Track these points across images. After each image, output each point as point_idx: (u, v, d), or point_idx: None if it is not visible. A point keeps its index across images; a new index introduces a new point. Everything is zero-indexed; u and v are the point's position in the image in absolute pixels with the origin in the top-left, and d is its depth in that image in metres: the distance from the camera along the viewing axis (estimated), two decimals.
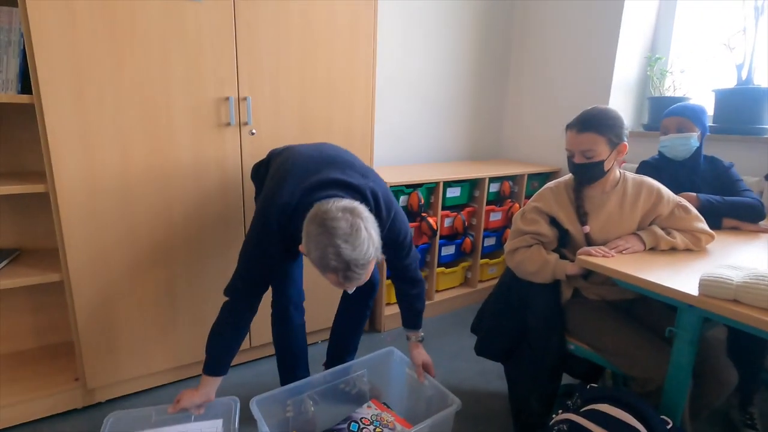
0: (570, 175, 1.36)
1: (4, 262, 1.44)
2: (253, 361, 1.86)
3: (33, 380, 1.51)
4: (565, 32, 2.48)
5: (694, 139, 1.51)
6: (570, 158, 1.27)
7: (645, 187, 1.30)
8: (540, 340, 1.35)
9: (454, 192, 2.26)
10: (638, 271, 1.06)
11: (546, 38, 2.59)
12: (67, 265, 1.40)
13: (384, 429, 1.24)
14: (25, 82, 1.31)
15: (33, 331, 1.68)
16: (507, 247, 1.37)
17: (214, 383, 1.22)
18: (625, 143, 1.24)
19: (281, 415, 1.30)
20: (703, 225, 1.25)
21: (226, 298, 1.22)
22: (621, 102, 2.37)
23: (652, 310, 1.32)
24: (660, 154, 1.60)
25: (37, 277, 1.40)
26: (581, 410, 0.97)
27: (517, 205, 2.46)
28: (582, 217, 1.29)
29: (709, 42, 2.12)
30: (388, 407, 1.39)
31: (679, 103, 1.59)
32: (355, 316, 1.60)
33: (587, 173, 1.26)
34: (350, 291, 1.06)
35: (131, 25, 1.34)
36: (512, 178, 2.45)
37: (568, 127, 1.27)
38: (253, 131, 1.61)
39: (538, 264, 1.28)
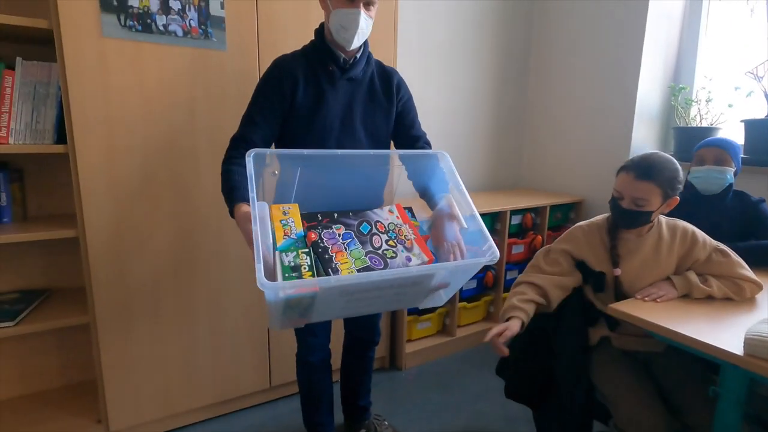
0: (603, 216, 1.32)
1: (33, 305, 1.47)
2: (272, 401, 1.84)
3: (55, 421, 1.52)
4: (585, 61, 2.47)
5: (730, 174, 1.46)
6: (617, 200, 1.21)
7: (679, 229, 1.25)
8: (567, 387, 1.29)
9: None
10: (675, 323, 1.01)
11: (566, 67, 2.58)
12: (94, 307, 1.42)
13: (398, 245, 0.98)
14: (60, 131, 1.37)
15: (59, 369, 1.70)
16: (516, 280, 1.33)
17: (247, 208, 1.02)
18: (677, 198, 1.20)
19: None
20: (747, 272, 1.18)
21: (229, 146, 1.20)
22: (644, 132, 2.32)
23: (670, 369, 1.24)
24: (686, 186, 1.53)
25: (65, 319, 1.42)
26: None
27: (539, 237, 2.41)
28: (615, 259, 1.24)
29: (735, 71, 2.08)
30: (417, 224, 1.09)
31: (717, 136, 1.53)
32: (360, 366, 1.57)
33: (632, 220, 1.20)
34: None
35: (160, 75, 1.39)
36: (534, 210, 2.41)
37: (625, 169, 1.19)
38: (275, 172, 1.63)
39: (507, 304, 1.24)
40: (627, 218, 1.20)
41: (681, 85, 2.22)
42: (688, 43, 2.27)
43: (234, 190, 1.09)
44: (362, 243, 0.94)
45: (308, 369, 1.43)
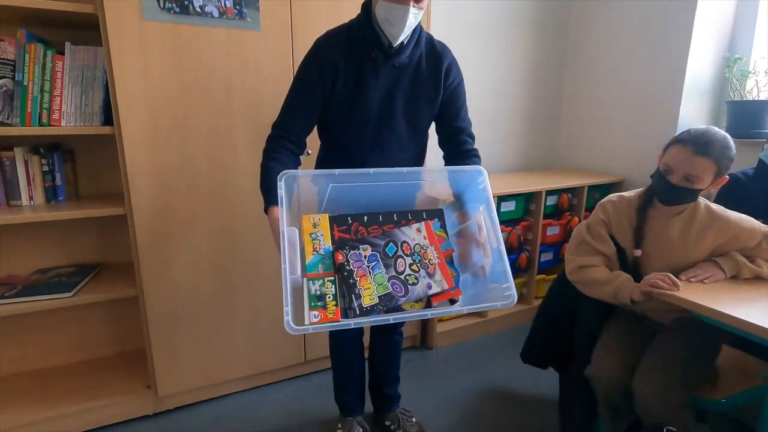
0: (636, 192, 1.28)
1: (87, 279, 1.58)
2: (307, 375, 1.90)
3: (110, 386, 1.63)
4: (630, 32, 2.33)
5: None
6: (665, 174, 1.15)
7: (719, 221, 1.18)
8: (585, 356, 1.30)
9: (508, 206, 2.18)
10: (723, 305, 0.97)
11: (607, 40, 2.44)
12: (142, 281, 1.50)
13: (421, 270, 0.99)
14: (107, 113, 1.43)
15: (111, 338, 1.82)
16: (576, 262, 1.29)
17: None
18: (727, 177, 1.15)
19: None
20: None
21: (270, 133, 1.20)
22: (694, 107, 2.19)
23: (673, 340, 1.21)
24: (758, 165, 1.43)
25: (116, 292, 1.52)
26: None
27: (576, 219, 2.34)
28: (637, 239, 1.21)
29: None
30: (444, 236, 1.09)
31: None
32: (386, 350, 1.54)
33: (679, 197, 1.15)
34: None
35: (197, 55, 1.42)
36: (571, 191, 2.34)
37: (681, 142, 1.13)
38: (309, 152, 1.65)
39: (604, 277, 1.22)
40: (674, 195, 1.15)
41: (737, 56, 2.06)
42: (745, 10, 2.10)
43: (270, 191, 1.09)
44: (386, 266, 0.97)
45: (341, 347, 1.47)
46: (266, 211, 1.11)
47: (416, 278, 0.97)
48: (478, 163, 1.26)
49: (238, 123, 1.53)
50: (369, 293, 0.92)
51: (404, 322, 1.51)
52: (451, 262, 1.05)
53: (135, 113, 1.39)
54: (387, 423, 1.56)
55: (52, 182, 1.52)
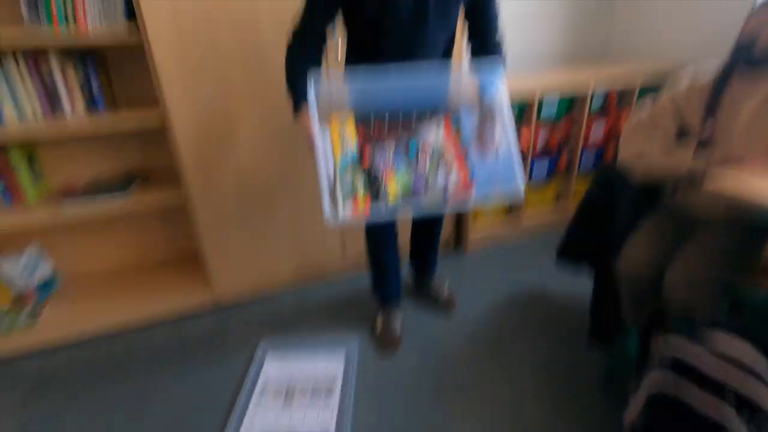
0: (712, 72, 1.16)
1: (135, 185, 1.66)
2: (347, 274, 2.01)
3: (169, 284, 1.81)
4: None
5: None
6: (752, 43, 1.02)
7: None
8: (619, 247, 1.29)
9: (551, 104, 2.05)
10: None
11: None
12: (189, 189, 1.57)
13: (440, 168, 1.08)
14: (130, 10, 1.37)
15: (167, 243, 1.96)
16: (630, 148, 1.24)
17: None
18: None
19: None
20: None
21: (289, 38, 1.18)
22: None
23: (718, 233, 1.15)
24: None
25: (165, 200, 1.60)
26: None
27: (624, 117, 2.18)
28: (712, 106, 1.11)
29: None
30: (460, 138, 1.17)
31: None
32: (426, 241, 1.69)
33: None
34: None
35: None
36: (622, 85, 2.14)
37: None
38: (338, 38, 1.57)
39: (665, 160, 1.17)
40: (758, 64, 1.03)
41: None
42: None
43: (297, 90, 1.11)
44: (409, 165, 1.08)
45: (375, 236, 1.52)
46: (295, 109, 1.13)
47: (436, 175, 1.09)
48: (501, 54, 1.27)
49: (266, 30, 1.45)
50: (394, 192, 1.04)
51: (440, 217, 1.64)
52: (466, 158, 1.13)
53: (162, 22, 1.32)
54: (423, 288, 1.78)
55: (89, 92, 1.53)
